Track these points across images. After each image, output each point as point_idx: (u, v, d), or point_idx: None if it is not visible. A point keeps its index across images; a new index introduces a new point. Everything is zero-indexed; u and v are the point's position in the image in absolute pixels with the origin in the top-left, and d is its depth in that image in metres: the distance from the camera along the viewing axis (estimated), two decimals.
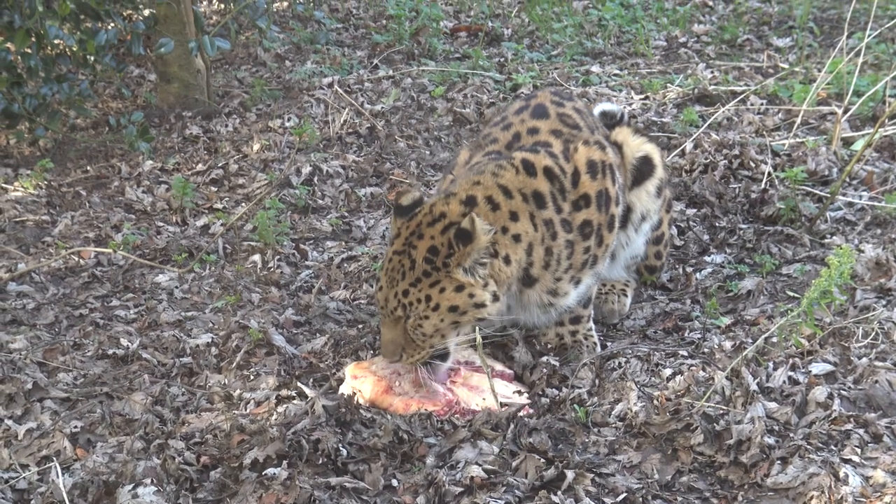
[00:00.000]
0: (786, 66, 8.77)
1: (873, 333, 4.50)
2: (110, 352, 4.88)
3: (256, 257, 5.92)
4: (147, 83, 9.19)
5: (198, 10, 8.10)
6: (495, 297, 4.23)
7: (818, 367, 4.30)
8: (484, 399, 4.33)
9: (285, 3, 11.17)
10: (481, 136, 4.98)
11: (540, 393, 4.44)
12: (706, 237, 5.94)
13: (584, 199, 4.49)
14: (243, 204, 6.71)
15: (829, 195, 5.95)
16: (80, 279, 5.77)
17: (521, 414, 4.17)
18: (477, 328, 4.29)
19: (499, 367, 4.59)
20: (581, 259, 4.53)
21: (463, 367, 4.57)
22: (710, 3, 11.17)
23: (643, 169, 5.03)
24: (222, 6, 10.71)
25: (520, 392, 4.44)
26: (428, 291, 4.14)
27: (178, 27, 7.99)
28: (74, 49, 7.53)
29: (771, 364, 4.33)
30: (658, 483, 3.83)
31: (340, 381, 4.52)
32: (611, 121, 5.37)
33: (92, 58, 7.62)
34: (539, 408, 4.32)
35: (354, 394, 4.29)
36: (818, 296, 4.06)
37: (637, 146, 5.05)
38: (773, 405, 4.07)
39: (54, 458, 4.04)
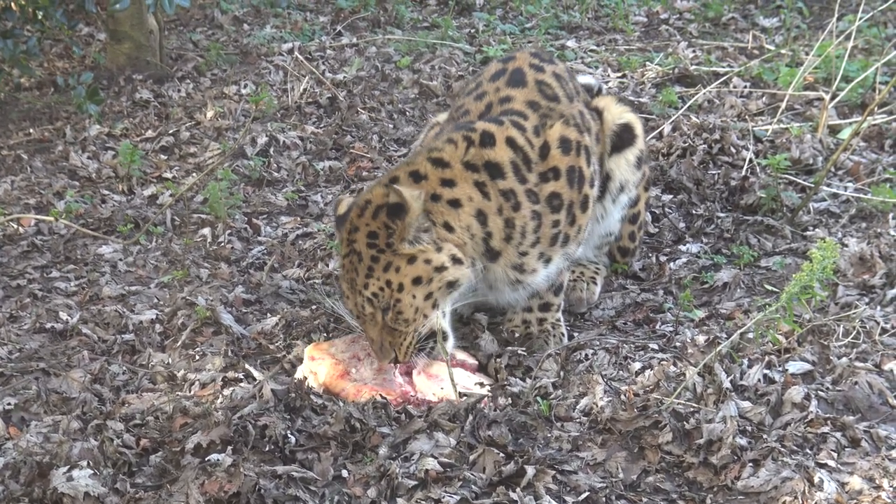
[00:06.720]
0: (772, 47, 8.79)
1: (854, 332, 4.51)
2: (48, 325, 4.85)
3: (206, 231, 5.89)
4: (96, 43, 9.12)
5: None
6: (456, 260, 4.24)
7: (795, 366, 4.30)
8: (442, 388, 4.32)
9: None
10: (454, 108, 4.98)
11: (502, 380, 4.43)
12: (682, 225, 5.95)
13: (552, 172, 4.50)
14: (194, 174, 6.67)
15: (812, 185, 5.96)
16: (19, 248, 5.73)
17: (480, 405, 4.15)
18: (446, 313, 4.30)
19: (461, 355, 4.57)
20: (550, 233, 4.53)
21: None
22: None
23: (624, 136, 5.08)
24: None
25: (482, 384, 4.42)
26: (386, 277, 4.16)
27: None
28: (22, 3, 7.44)
29: (746, 361, 4.34)
30: (623, 482, 3.82)
31: (291, 363, 4.51)
32: (587, 95, 5.37)
33: (41, 13, 7.54)
34: (497, 397, 4.30)
35: (306, 378, 4.28)
36: (798, 290, 4.06)
37: (619, 113, 5.11)
38: (746, 404, 4.07)
39: None
